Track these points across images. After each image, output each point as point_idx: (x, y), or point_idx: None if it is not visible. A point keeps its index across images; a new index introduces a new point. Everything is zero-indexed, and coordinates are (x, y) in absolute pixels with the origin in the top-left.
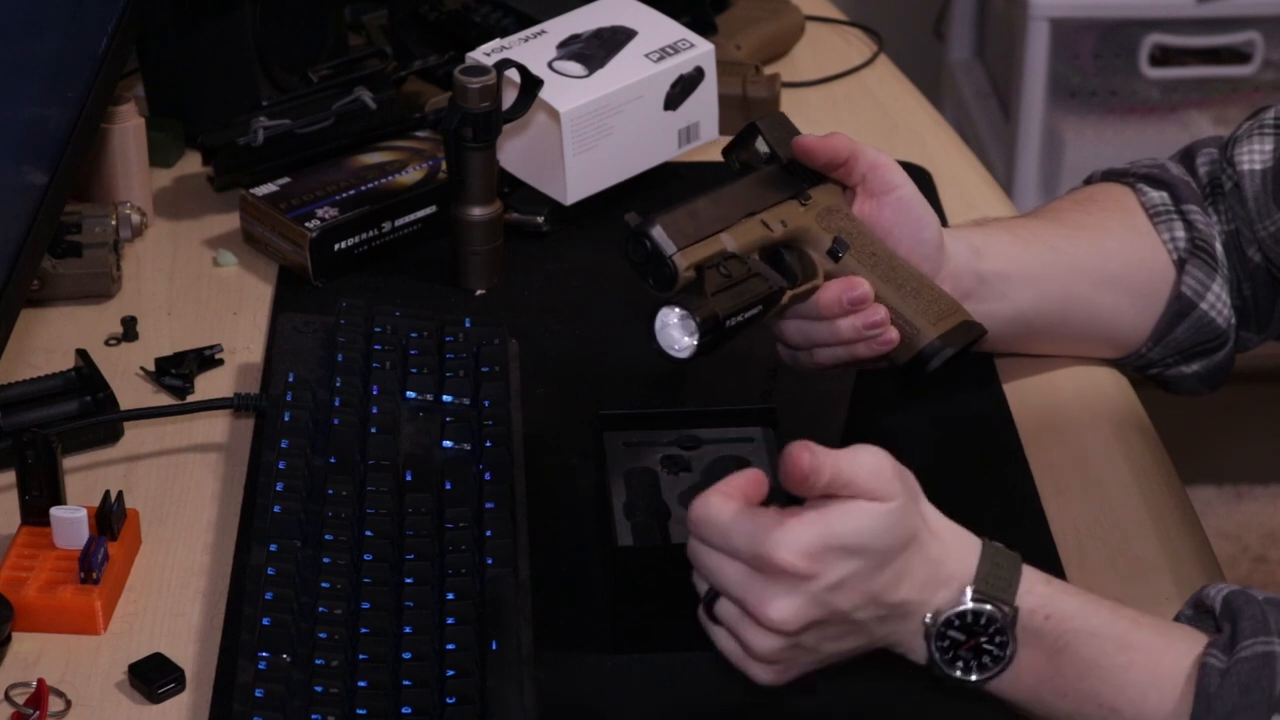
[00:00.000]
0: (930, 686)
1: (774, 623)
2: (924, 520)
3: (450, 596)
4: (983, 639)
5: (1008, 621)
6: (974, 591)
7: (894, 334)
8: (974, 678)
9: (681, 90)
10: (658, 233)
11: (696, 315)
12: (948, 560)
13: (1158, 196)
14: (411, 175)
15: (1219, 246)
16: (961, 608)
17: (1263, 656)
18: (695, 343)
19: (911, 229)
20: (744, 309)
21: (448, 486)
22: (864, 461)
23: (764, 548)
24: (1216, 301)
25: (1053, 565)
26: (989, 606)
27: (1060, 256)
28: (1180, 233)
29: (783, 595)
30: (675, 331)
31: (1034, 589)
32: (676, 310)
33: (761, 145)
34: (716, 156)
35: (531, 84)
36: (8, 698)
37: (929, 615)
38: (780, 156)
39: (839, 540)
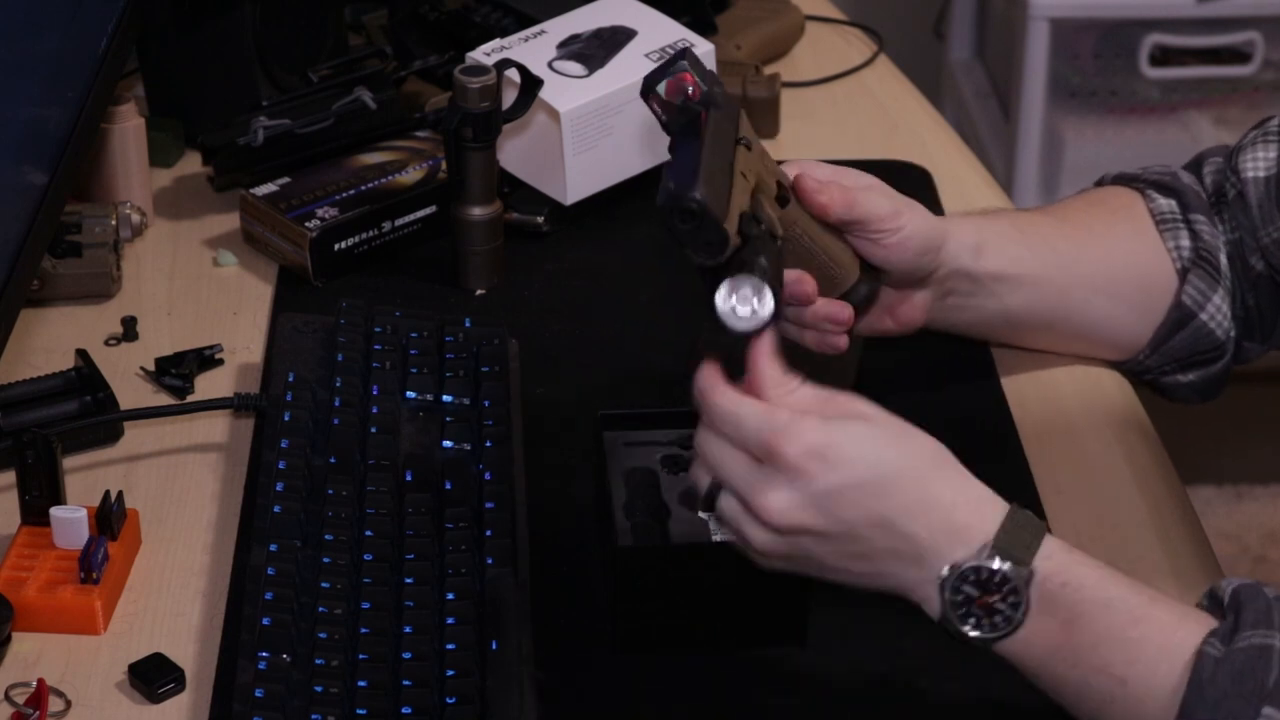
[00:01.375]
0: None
1: (768, 514)
2: (946, 473)
3: (450, 596)
4: (996, 598)
5: (1021, 582)
6: (991, 548)
7: (843, 341)
8: (985, 635)
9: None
10: (706, 198)
11: (765, 277)
12: (963, 510)
13: (1166, 204)
14: (411, 175)
15: (1223, 258)
16: (977, 563)
17: (1260, 649)
18: (771, 306)
19: (916, 259)
20: (780, 261)
21: (448, 486)
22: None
23: (771, 436)
24: (1216, 313)
25: None
26: (1005, 565)
27: (1061, 258)
28: (1185, 242)
29: (781, 488)
30: (743, 302)
31: (1053, 555)
32: (737, 279)
33: (674, 87)
34: None
35: (531, 84)
36: (8, 698)
37: (946, 568)
38: (716, 98)
39: (847, 446)
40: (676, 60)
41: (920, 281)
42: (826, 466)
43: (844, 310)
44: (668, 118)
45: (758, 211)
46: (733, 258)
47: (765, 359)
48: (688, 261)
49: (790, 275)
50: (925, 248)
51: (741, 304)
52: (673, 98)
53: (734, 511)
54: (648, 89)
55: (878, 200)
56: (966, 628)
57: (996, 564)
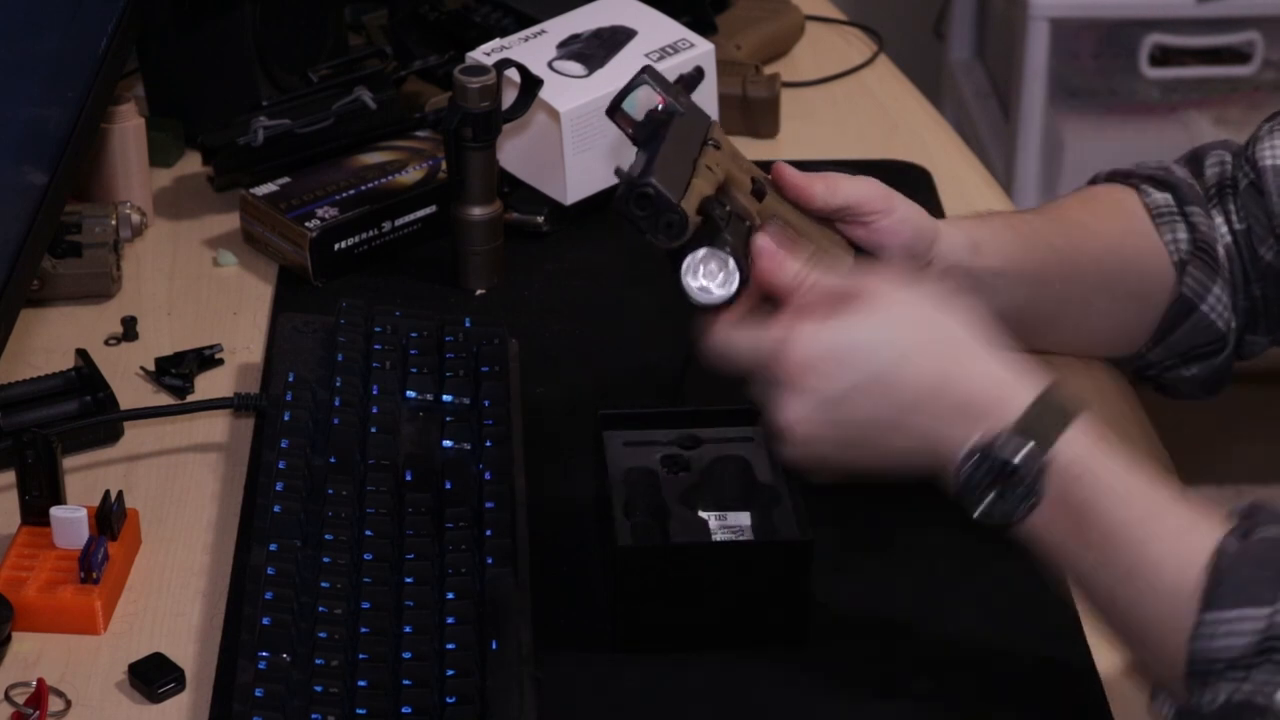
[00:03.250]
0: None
1: (783, 431)
2: (966, 357)
3: (450, 596)
4: (1008, 485)
5: (1032, 473)
6: (1006, 436)
7: None
8: (995, 522)
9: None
10: (659, 182)
11: (728, 249)
12: (981, 396)
13: (1161, 198)
14: (411, 175)
15: (1221, 249)
16: (990, 450)
17: (1276, 540)
18: (737, 278)
19: (911, 245)
20: (748, 244)
21: (448, 486)
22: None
23: (769, 359)
24: (1216, 304)
25: None
26: (1018, 457)
27: (1059, 256)
28: (1183, 234)
29: (790, 402)
30: (708, 277)
31: (1076, 441)
32: (705, 252)
33: (639, 104)
34: None
35: (531, 84)
36: (8, 698)
37: (962, 452)
38: (678, 106)
39: (843, 348)
40: (638, 77)
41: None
42: (821, 375)
43: None
44: (634, 132)
45: (724, 198)
46: (695, 237)
47: (774, 265)
48: (655, 253)
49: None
50: (919, 234)
51: (707, 278)
52: (638, 114)
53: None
54: (613, 109)
55: (863, 184)
56: (978, 512)
57: (1008, 453)
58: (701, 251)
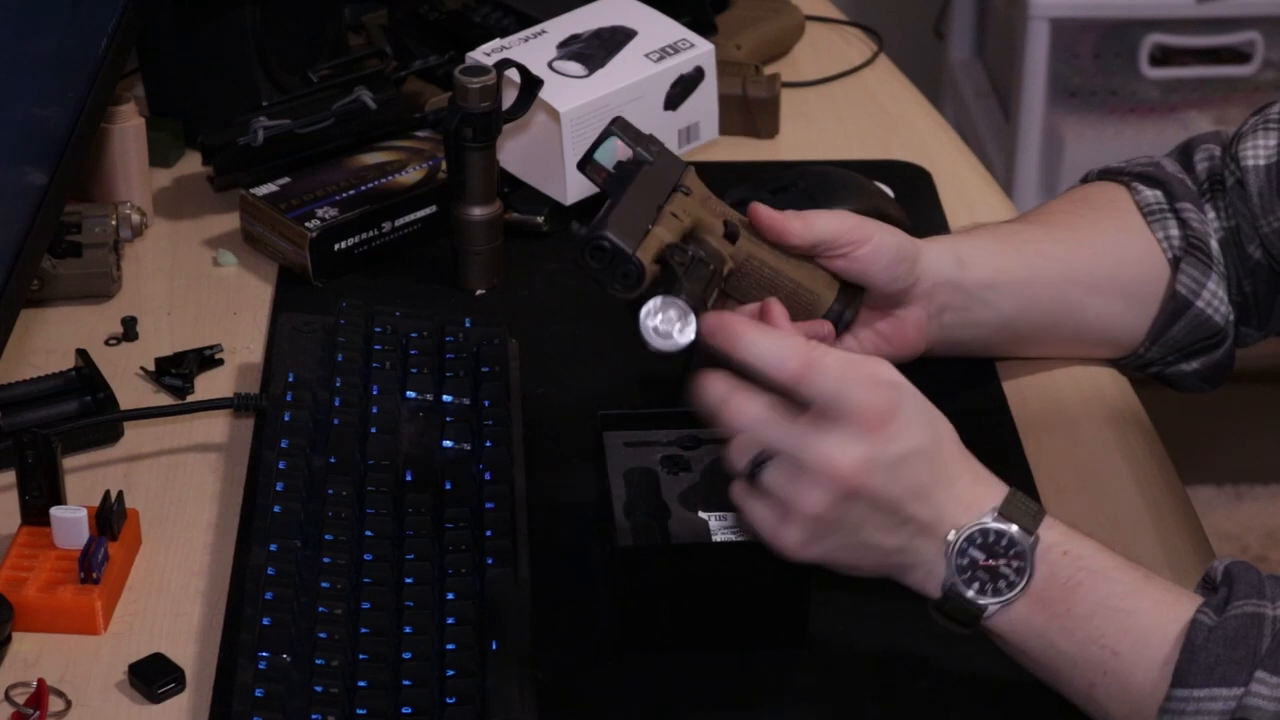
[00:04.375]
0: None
1: (837, 466)
2: (960, 447)
3: (450, 596)
4: (1001, 561)
5: (1027, 546)
6: (998, 512)
7: None
8: (989, 600)
9: (681, 90)
10: (614, 235)
11: (685, 298)
12: (970, 482)
13: (1152, 195)
14: (411, 175)
15: (1214, 244)
16: (984, 525)
17: (1251, 616)
18: (694, 325)
19: (892, 268)
20: (711, 288)
21: (448, 486)
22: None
23: (835, 393)
24: (1213, 299)
25: None
26: (1013, 527)
27: (1050, 262)
28: (1174, 231)
29: (854, 442)
30: (666, 324)
31: (1055, 526)
32: (661, 300)
33: (610, 155)
34: (717, 157)
35: (531, 84)
36: (8, 698)
37: (952, 532)
38: (647, 155)
39: (911, 411)
40: (608, 130)
41: (904, 296)
42: (898, 429)
43: (823, 327)
44: (604, 184)
45: (695, 244)
46: (653, 286)
47: (785, 327)
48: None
49: (752, 309)
50: (898, 255)
51: (665, 324)
52: (610, 165)
53: (782, 482)
54: (585, 161)
55: (836, 218)
56: (971, 591)
57: (1003, 526)
58: (658, 300)
